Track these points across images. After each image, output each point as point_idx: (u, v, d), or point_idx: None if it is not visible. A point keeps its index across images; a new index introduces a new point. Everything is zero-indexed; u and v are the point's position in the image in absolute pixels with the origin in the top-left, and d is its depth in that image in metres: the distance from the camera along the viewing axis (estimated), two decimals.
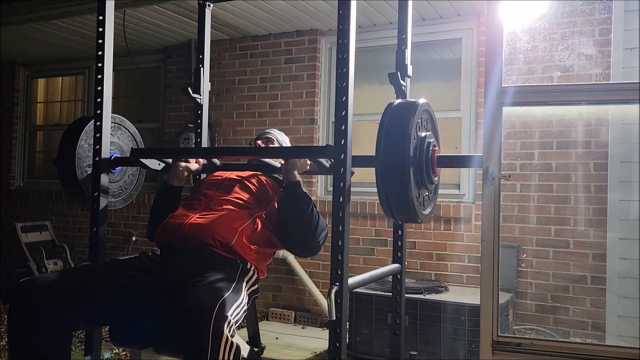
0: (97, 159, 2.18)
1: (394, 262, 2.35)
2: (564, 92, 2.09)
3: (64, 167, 2.25)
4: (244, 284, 1.93)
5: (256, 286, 2.05)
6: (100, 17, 2.22)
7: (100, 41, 2.22)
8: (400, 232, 2.37)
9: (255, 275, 2.05)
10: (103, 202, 2.17)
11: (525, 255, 3.79)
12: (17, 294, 1.78)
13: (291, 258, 4.46)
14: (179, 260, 1.98)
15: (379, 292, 3.51)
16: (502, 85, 1.92)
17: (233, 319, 1.64)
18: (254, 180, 2.24)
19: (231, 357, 1.57)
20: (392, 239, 2.39)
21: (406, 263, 2.48)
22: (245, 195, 2.16)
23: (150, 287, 1.91)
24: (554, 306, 3.71)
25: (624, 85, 2.03)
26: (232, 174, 2.30)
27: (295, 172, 2.07)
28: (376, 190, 4.24)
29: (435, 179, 1.99)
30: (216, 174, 2.37)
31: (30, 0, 4.31)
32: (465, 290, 3.77)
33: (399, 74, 2.32)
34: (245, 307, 1.82)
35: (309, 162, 2.11)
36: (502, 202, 2.08)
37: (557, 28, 3.78)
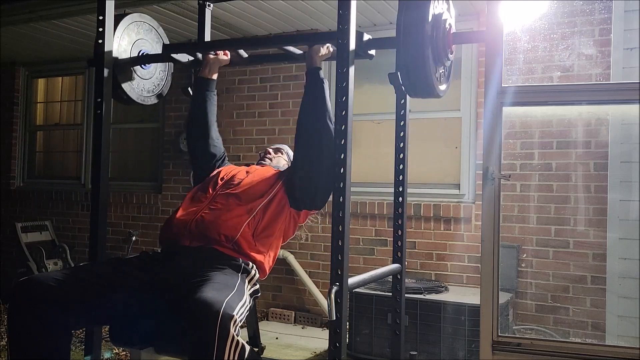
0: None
1: (394, 262, 2.35)
2: (564, 92, 2.09)
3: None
4: (246, 284, 1.93)
5: (257, 286, 2.05)
6: (100, 17, 2.22)
7: (100, 41, 2.22)
8: (400, 232, 2.36)
9: (257, 276, 2.05)
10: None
11: (525, 255, 3.79)
12: (17, 292, 1.78)
13: (291, 258, 4.46)
14: (181, 260, 1.98)
15: (379, 292, 3.51)
16: (502, 85, 1.92)
17: (238, 317, 1.64)
18: (261, 173, 2.25)
19: (236, 357, 1.57)
20: (392, 239, 2.39)
21: (406, 263, 2.48)
22: (250, 188, 2.16)
23: (151, 286, 1.91)
24: (554, 306, 3.71)
25: (624, 85, 2.03)
26: (241, 170, 2.32)
27: (318, 58, 2.15)
28: (376, 190, 4.25)
29: (451, 55, 2.08)
30: (226, 168, 2.37)
31: (30, 0, 4.31)
32: (465, 290, 3.76)
33: (399, 74, 2.32)
34: (248, 307, 1.82)
35: (331, 48, 2.17)
36: (502, 202, 2.08)
37: (557, 28, 3.78)
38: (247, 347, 1.63)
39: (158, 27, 2.60)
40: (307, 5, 4.07)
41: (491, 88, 1.91)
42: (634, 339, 3.26)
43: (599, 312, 3.56)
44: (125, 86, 2.40)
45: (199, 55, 2.46)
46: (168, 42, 2.67)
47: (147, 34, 2.54)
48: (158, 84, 2.62)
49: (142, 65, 2.49)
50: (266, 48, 2.62)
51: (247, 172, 2.28)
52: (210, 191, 2.19)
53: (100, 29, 2.21)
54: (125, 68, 2.39)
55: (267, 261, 2.13)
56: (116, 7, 2.29)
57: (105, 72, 2.22)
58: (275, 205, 2.13)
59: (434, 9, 1.93)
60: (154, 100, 2.62)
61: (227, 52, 2.45)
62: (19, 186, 6.06)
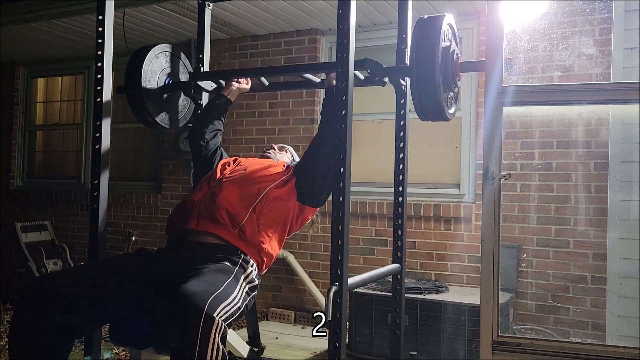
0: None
1: (394, 262, 2.35)
2: (564, 91, 2.09)
3: (131, 91, 2.45)
4: (241, 281, 1.92)
5: (255, 282, 2.04)
6: (100, 17, 2.21)
7: (100, 41, 2.21)
8: (400, 232, 2.36)
9: (255, 272, 2.04)
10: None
11: (525, 255, 3.79)
12: (24, 295, 1.78)
13: (291, 258, 4.46)
14: (181, 258, 1.98)
15: (379, 292, 3.51)
16: (502, 85, 1.92)
17: (221, 318, 1.63)
18: (267, 161, 2.34)
19: (219, 357, 1.57)
20: (392, 239, 2.39)
21: (406, 263, 2.48)
22: (257, 172, 2.22)
23: (152, 285, 1.91)
24: (554, 306, 3.70)
25: (624, 85, 2.03)
26: (245, 159, 2.39)
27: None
28: (376, 190, 4.25)
29: (459, 82, 2.26)
30: (229, 159, 2.44)
31: (30, 0, 4.30)
32: (465, 290, 3.76)
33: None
34: (239, 304, 1.81)
35: None
36: (502, 202, 2.08)
37: (557, 28, 3.78)
38: (247, 347, 1.62)
39: (183, 57, 2.70)
40: (307, 5, 4.07)
41: (491, 88, 1.91)
42: (634, 339, 3.26)
43: (599, 312, 3.56)
44: (153, 111, 2.49)
45: (223, 83, 2.59)
46: (189, 64, 2.75)
47: (172, 61, 2.65)
48: (181, 110, 2.71)
49: (168, 92, 2.59)
50: (286, 74, 2.74)
51: (253, 161, 2.37)
52: (218, 176, 2.24)
53: (100, 29, 2.21)
54: (154, 94, 2.50)
55: (269, 250, 2.12)
56: (116, 6, 2.28)
57: (106, 72, 2.21)
58: (281, 193, 2.15)
59: (443, 41, 2.09)
60: (179, 125, 2.72)
61: (249, 80, 2.59)
62: (19, 186, 6.06)
